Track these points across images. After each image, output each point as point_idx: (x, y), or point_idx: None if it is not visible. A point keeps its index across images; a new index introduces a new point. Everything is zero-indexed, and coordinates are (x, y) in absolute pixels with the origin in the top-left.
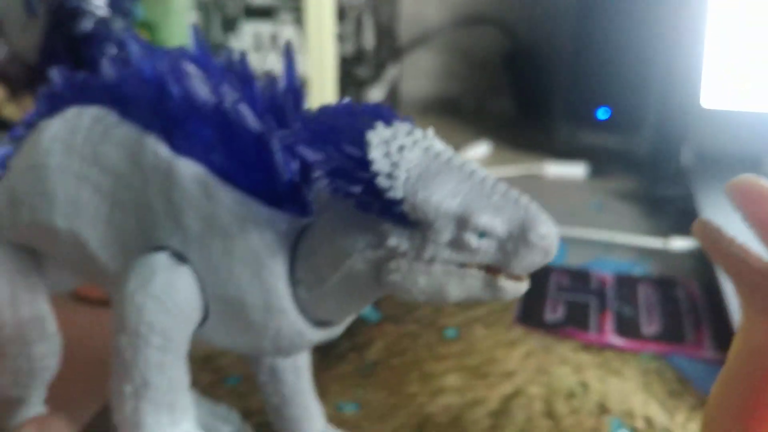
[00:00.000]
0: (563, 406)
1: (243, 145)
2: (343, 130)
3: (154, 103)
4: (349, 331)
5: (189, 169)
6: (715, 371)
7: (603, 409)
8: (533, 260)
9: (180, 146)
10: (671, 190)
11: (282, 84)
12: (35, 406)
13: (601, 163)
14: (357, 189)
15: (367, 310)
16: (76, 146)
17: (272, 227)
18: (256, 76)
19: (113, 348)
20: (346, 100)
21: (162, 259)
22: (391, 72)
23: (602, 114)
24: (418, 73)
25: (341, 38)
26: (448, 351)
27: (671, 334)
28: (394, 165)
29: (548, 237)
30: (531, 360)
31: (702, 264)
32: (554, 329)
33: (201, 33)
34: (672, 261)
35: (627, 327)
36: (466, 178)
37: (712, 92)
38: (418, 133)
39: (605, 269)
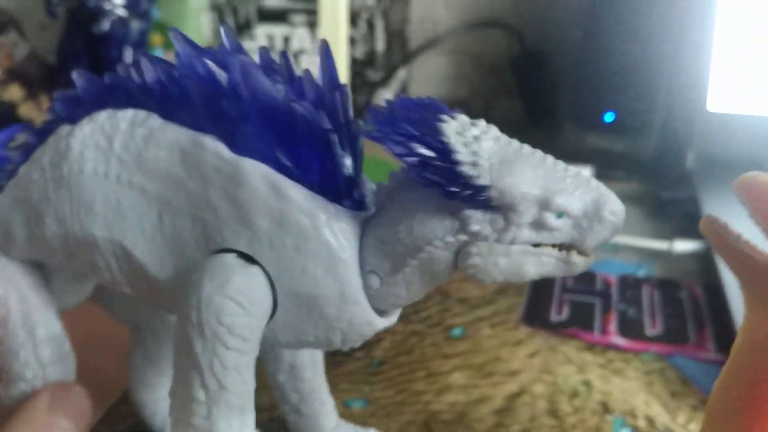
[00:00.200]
0: (567, 405)
1: (307, 143)
2: (417, 123)
3: (210, 104)
4: None
5: (256, 169)
6: (717, 372)
7: (606, 409)
8: (605, 235)
9: (242, 146)
10: (676, 193)
11: (326, 82)
12: None
13: (607, 166)
14: (443, 179)
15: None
16: (115, 151)
17: (340, 221)
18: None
19: (181, 356)
20: (402, 95)
21: (234, 261)
22: (402, 74)
23: (609, 117)
24: (427, 76)
25: (353, 41)
26: (455, 350)
27: (674, 335)
28: (475, 154)
29: (619, 213)
30: (536, 359)
31: (705, 266)
32: (559, 329)
33: (233, 32)
34: (676, 263)
35: (630, 328)
36: (539, 163)
37: (718, 96)
38: (481, 123)
39: (610, 270)
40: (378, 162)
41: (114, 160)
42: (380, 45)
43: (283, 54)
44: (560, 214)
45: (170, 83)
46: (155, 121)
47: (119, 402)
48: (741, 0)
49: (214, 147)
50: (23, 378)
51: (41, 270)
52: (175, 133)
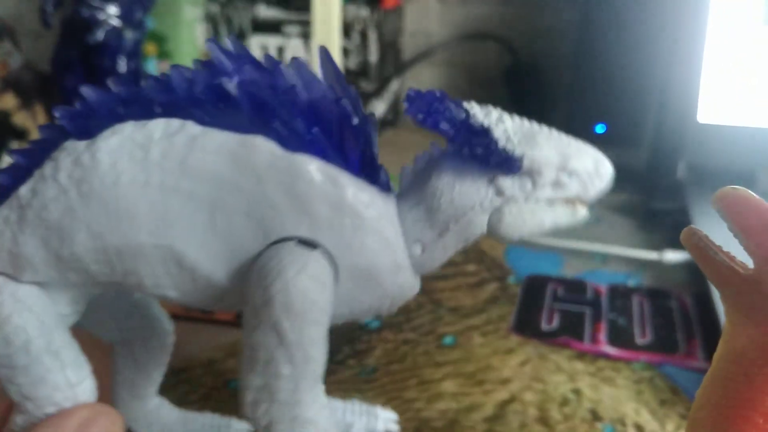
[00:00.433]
0: (557, 413)
1: (350, 136)
2: (447, 110)
3: (261, 106)
4: (350, 338)
5: (310, 163)
6: None
7: (595, 417)
8: (601, 188)
9: (293, 143)
10: (667, 203)
11: (338, 82)
12: None
13: None
14: (485, 152)
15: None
16: (153, 160)
17: (384, 200)
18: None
19: (262, 339)
20: (416, 89)
21: (301, 246)
22: (395, 85)
23: (600, 129)
24: (420, 87)
25: (346, 52)
26: (446, 358)
27: (664, 345)
28: (506, 131)
29: (610, 169)
30: (526, 368)
31: (695, 276)
32: (550, 338)
33: (238, 42)
34: (666, 273)
35: (620, 337)
36: (549, 135)
37: (709, 107)
38: (493, 108)
39: (601, 280)
40: None
41: (154, 168)
42: (373, 56)
43: (296, 59)
44: (571, 174)
45: (210, 91)
46: (194, 128)
47: None
48: (732, 12)
49: (267, 146)
50: (53, 402)
51: (46, 291)
52: (221, 137)
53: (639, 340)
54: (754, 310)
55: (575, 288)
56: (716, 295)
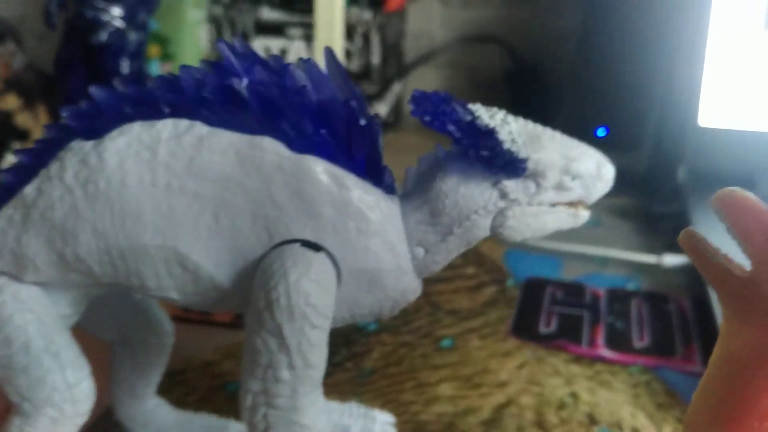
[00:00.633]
0: (554, 417)
1: (357, 137)
2: (453, 111)
3: (270, 107)
4: (347, 341)
5: (317, 164)
6: None
7: (592, 420)
8: (603, 191)
9: (300, 144)
10: (667, 207)
11: (344, 84)
12: None
13: None
14: (491, 154)
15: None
16: (160, 160)
17: (389, 203)
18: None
19: (263, 343)
20: (420, 90)
21: (306, 249)
22: (397, 88)
23: (601, 132)
24: (422, 89)
25: (349, 54)
26: (443, 361)
27: (661, 348)
28: (510, 133)
29: (612, 171)
30: (524, 371)
31: (694, 280)
32: (547, 341)
33: (246, 43)
34: (664, 277)
35: (618, 340)
36: (553, 137)
37: (709, 111)
38: (497, 110)
39: (599, 283)
40: None
41: (160, 168)
42: (376, 58)
43: (307, 60)
44: (574, 177)
45: (220, 92)
46: (201, 128)
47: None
48: (732, 16)
49: (274, 147)
50: (51, 402)
51: (47, 291)
52: (228, 138)
53: (637, 344)
54: (751, 312)
55: (574, 291)
56: (715, 299)
